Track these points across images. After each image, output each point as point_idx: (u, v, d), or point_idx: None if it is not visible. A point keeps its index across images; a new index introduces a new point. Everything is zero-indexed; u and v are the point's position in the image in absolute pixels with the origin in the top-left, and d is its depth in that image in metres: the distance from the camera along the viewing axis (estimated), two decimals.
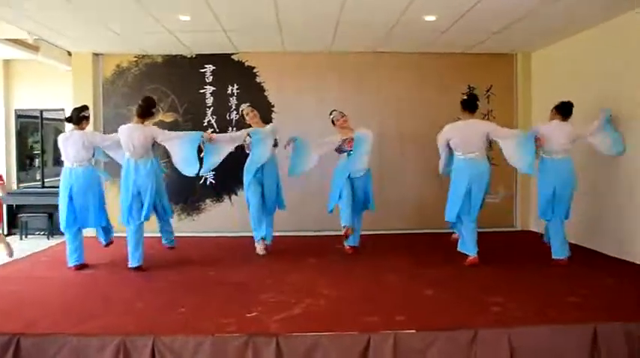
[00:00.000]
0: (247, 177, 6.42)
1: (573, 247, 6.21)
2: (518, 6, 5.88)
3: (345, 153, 6.40)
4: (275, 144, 6.51)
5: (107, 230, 6.19)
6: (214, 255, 6.66)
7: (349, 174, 6.37)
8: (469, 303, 4.50)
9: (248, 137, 6.40)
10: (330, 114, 6.60)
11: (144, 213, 5.79)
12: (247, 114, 6.56)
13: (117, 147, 5.94)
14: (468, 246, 5.91)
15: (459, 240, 6.07)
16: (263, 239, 6.52)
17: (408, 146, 8.11)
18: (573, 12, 6.04)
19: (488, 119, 8.20)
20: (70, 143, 5.79)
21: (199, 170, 5.93)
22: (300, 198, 7.65)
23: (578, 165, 6.09)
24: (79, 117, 5.91)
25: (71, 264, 5.88)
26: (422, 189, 8.03)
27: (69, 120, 5.98)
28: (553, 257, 5.92)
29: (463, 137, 5.88)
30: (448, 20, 6.45)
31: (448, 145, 6.06)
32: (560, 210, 5.89)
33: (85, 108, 6.04)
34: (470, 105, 6.03)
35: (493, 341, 3.79)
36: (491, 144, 6.10)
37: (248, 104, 6.69)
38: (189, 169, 5.89)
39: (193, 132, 6.32)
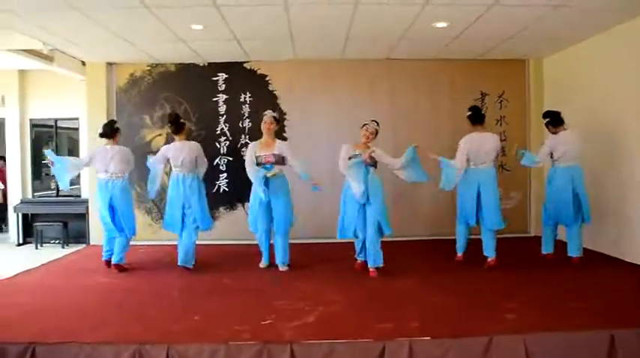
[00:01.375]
0: (253, 199, 6.27)
1: (588, 252, 6.35)
2: (528, 13, 5.86)
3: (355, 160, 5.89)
4: (283, 163, 6.17)
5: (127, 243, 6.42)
6: (228, 262, 6.69)
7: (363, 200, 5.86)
8: (484, 310, 4.48)
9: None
10: (371, 121, 6.07)
11: (198, 222, 6.29)
12: (265, 122, 6.19)
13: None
14: (488, 251, 6.21)
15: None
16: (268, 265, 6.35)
17: (421, 152, 8.08)
18: (584, 17, 6.02)
19: (500, 125, 8.22)
20: (111, 156, 6.19)
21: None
22: (310, 205, 7.65)
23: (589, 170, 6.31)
24: (112, 129, 6.33)
25: (106, 258, 6.39)
26: (435, 196, 7.97)
27: (103, 135, 6.33)
28: (570, 255, 6.25)
29: (478, 149, 6.12)
30: (459, 27, 6.45)
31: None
32: (584, 214, 6.21)
33: (114, 121, 6.56)
34: (479, 118, 6.31)
35: (509, 348, 3.77)
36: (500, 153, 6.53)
37: (273, 114, 6.27)
38: None
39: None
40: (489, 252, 6.16)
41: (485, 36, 6.88)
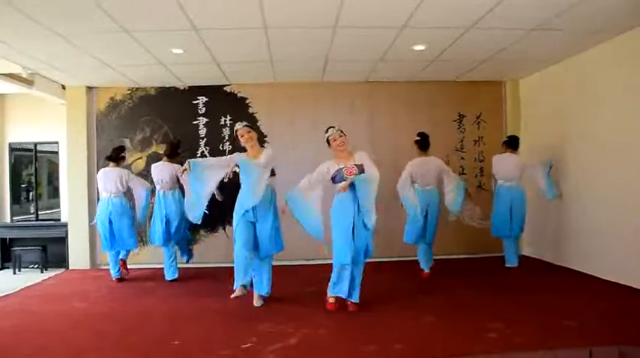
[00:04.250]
0: (236, 216, 5.47)
1: (565, 271, 6.61)
2: (504, 36, 6.00)
3: (342, 184, 5.22)
4: (272, 174, 5.57)
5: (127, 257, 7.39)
6: (209, 285, 6.65)
7: (353, 219, 5.24)
8: (467, 330, 4.52)
9: (236, 166, 5.54)
10: (326, 131, 5.41)
11: (177, 235, 7.01)
12: (242, 136, 5.48)
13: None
14: (423, 264, 6.92)
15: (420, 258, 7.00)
16: (244, 286, 5.30)
17: (401, 173, 8.14)
18: (560, 39, 6.17)
19: (478, 145, 8.33)
20: (111, 178, 6.91)
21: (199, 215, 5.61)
22: (291, 227, 7.62)
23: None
24: (118, 156, 7.07)
25: (115, 277, 7.08)
26: None
27: (109, 158, 7.05)
28: (507, 265, 7.17)
29: (422, 172, 6.72)
30: (437, 49, 6.56)
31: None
32: (515, 228, 7.07)
33: (123, 149, 7.26)
34: (424, 145, 6.80)
35: None
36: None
37: (244, 124, 5.58)
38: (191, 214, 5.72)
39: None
40: (426, 265, 6.89)
41: (463, 58, 7.02)
